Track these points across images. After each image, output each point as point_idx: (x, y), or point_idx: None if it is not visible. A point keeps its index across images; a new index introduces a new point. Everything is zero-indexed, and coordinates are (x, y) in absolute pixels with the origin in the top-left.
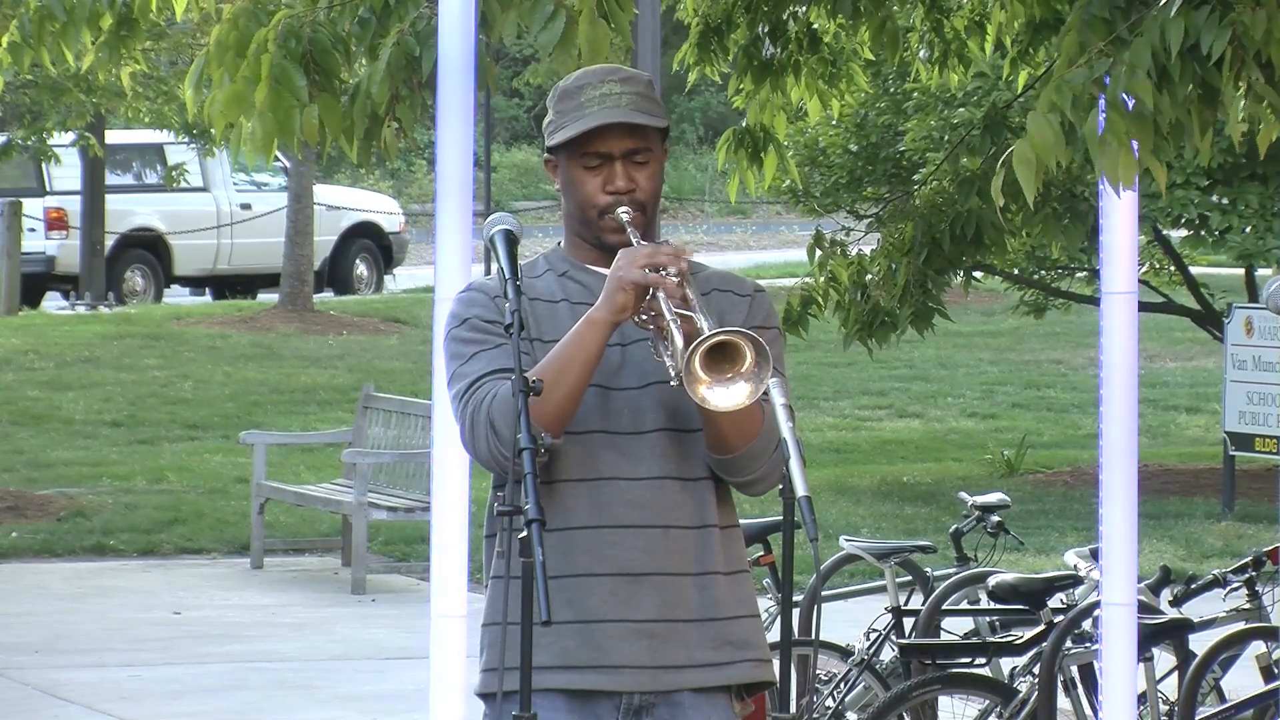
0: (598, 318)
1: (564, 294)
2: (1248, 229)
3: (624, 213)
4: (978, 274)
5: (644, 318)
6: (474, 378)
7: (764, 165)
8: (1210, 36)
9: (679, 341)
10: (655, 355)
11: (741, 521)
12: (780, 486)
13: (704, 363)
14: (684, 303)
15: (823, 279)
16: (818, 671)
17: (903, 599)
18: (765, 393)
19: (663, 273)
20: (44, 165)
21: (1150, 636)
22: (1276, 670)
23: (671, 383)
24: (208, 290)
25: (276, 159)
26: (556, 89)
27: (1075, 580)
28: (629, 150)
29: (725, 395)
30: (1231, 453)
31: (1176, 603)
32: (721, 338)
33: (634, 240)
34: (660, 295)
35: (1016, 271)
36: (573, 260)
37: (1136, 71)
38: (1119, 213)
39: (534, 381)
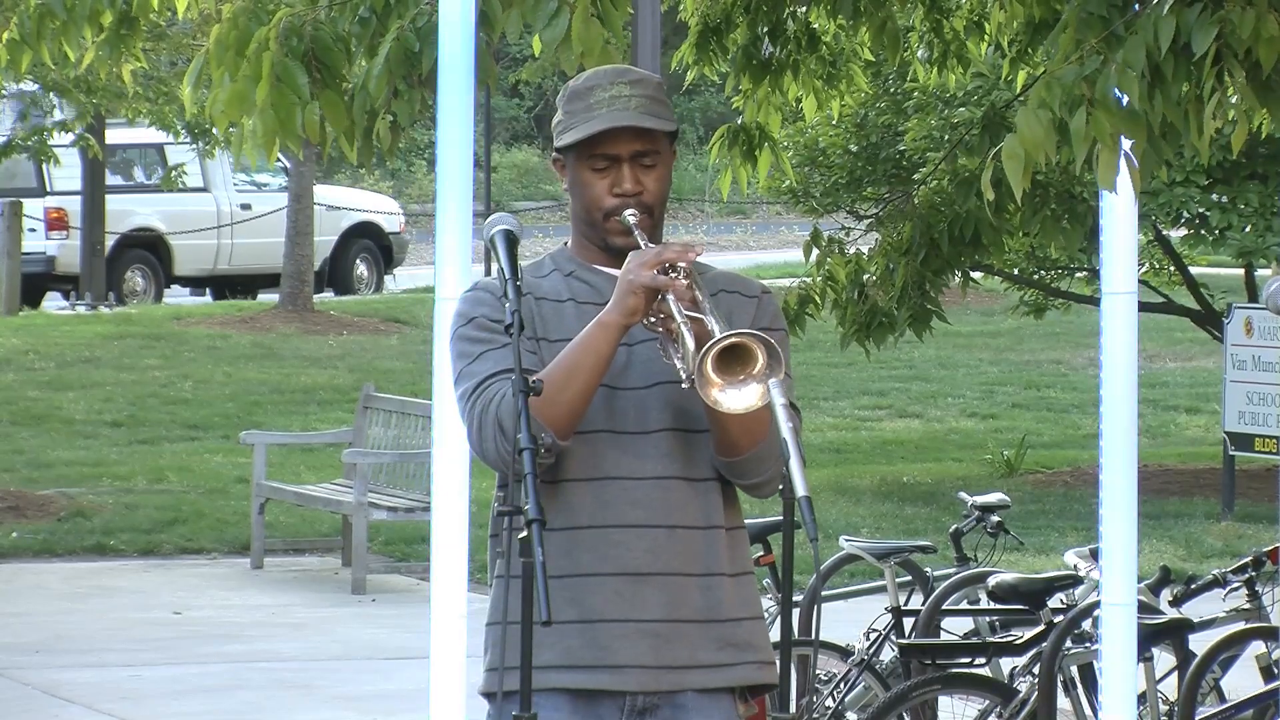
0: (609, 321)
1: (570, 294)
2: (1248, 227)
3: (630, 215)
4: (976, 275)
5: (652, 320)
6: (482, 378)
7: (758, 164)
8: (1199, 34)
9: (690, 344)
10: (665, 357)
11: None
12: (780, 486)
13: (716, 365)
14: (694, 305)
15: (820, 278)
16: (818, 671)
17: (903, 599)
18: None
19: (672, 275)
20: (44, 165)
21: (1150, 636)
22: (1276, 670)
23: (683, 385)
24: (208, 290)
25: (278, 159)
26: (566, 88)
27: (1075, 580)
28: (637, 153)
29: (737, 397)
30: (1231, 453)
31: (1176, 603)
32: (733, 340)
33: (641, 243)
34: (670, 298)
35: (1016, 272)
36: (579, 260)
37: (1127, 69)
38: (1119, 213)
39: (534, 381)
